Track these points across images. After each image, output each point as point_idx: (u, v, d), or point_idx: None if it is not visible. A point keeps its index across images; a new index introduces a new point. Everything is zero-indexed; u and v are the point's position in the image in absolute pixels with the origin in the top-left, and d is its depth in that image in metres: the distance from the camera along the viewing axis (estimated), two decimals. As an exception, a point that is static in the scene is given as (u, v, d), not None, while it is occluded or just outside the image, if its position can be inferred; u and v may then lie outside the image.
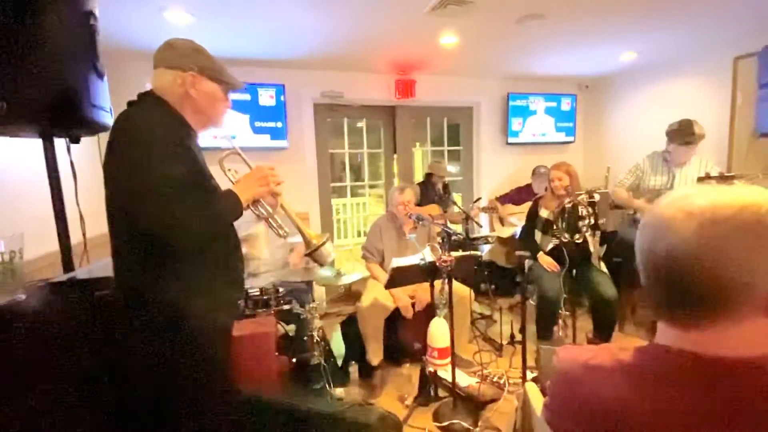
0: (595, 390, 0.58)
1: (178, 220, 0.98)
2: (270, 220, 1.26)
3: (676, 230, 0.51)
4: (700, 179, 2.48)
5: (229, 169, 1.28)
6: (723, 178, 2.29)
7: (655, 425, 0.51)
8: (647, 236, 0.56)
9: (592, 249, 2.50)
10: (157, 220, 0.96)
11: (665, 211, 0.54)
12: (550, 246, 2.59)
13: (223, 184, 1.24)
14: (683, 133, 2.53)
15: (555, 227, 2.16)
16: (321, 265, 1.47)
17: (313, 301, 2.12)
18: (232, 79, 1.22)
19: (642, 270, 0.57)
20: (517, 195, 3.81)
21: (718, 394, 0.49)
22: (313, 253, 1.24)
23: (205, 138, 1.27)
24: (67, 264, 1.50)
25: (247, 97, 3.14)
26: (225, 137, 1.32)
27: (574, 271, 2.24)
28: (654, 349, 0.57)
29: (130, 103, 1.11)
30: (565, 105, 4.22)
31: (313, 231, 1.27)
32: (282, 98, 3.25)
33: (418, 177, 4.05)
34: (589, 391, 0.59)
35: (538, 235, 2.71)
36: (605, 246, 2.68)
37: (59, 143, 1.45)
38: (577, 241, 2.08)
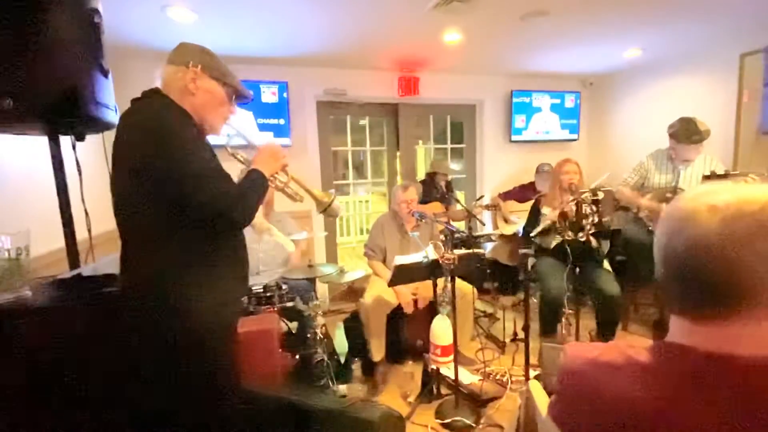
0: (605, 387, 0.57)
1: (237, 198, 1.05)
2: (286, 189, 1.36)
3: (699, 223, 0.50)
4: (705, 177, 2.45)
5: (234, 153, 1.34)
6: (729, 176, 2.27)
7: (666, 424, 0.50)
8: (667, 229, 0.55)
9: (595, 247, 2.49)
10: (218, 200, 1.01)
11: (687, 205, 0.53)
12: (554, 243, 2.58)
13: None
14: (689, 132, 2.50)
15: (559, 225, 2.15)
16: (334, 217, 1.71)
17: (316, 298, 2.13)
18: (238, 84, 1.23)
19: (659, 263, 0.56)
20: (521, 193, 3.79)
21: (731, 393, 0.49)
22: (326, 210, 1.38)
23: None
24: (73, 261, 1.51)
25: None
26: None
27: (578, 268, 2.24)
28: (666, 347, 0.56)
29: (136, 100, 1.12)
30: (569, 102, 4.20)
31: (319, 191, 1.39)
32: (285, 95, 3.25)
33: (421, 175, 4.04)
34: (599, 389, 0.58)
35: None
36: (609, 244, 2.67)
37: (64, 141, 1.46)
38: (580, 239, 2.07)
